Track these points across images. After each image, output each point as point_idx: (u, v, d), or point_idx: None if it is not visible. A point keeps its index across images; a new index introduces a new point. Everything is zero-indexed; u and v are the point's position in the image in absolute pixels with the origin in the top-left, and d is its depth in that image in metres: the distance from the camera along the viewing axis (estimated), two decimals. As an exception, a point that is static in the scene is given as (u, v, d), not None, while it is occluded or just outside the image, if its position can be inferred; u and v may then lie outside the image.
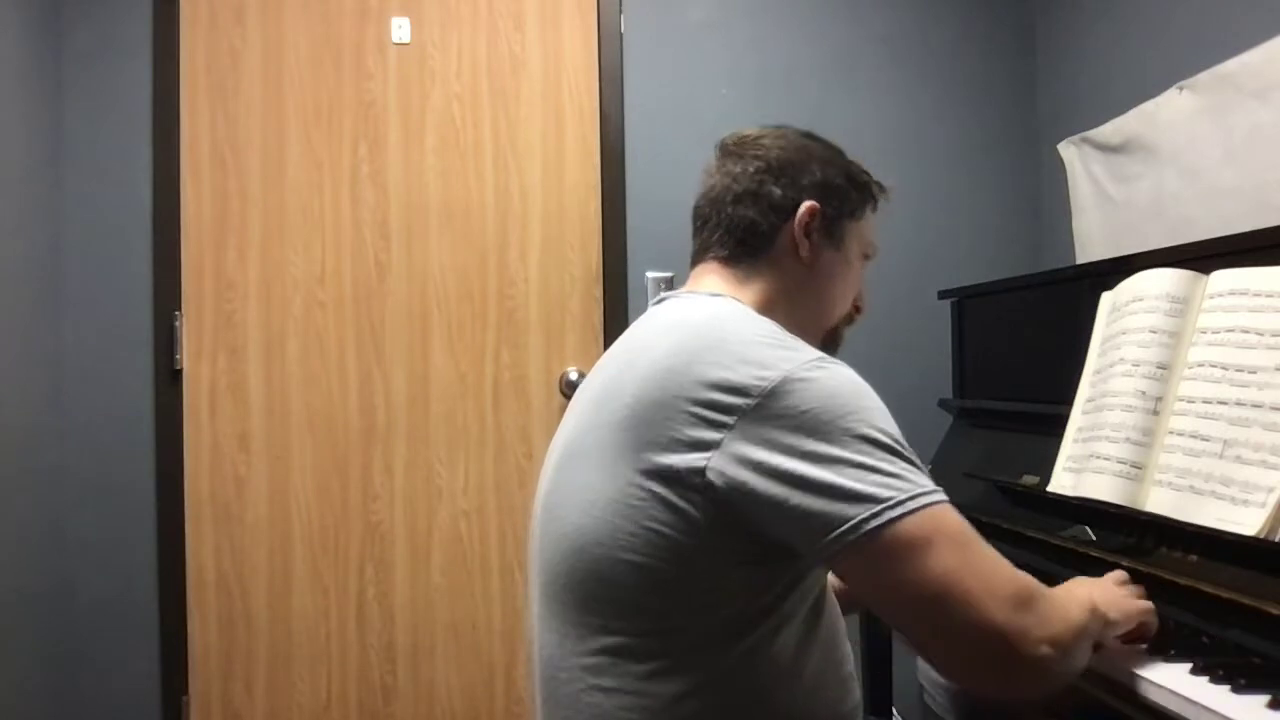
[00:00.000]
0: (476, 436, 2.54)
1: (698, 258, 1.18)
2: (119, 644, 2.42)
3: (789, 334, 1.01)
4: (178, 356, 2.46)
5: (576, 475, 1.01)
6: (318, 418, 2.50)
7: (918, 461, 0.93)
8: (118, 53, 2.45)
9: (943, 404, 2.12)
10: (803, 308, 1.15)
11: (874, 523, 0.86)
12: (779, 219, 1.13)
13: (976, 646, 0.87)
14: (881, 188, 1.22)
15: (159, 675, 2.43)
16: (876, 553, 0.87)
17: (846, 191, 1.17)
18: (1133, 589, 1.15)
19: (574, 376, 2.53)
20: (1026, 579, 0.90)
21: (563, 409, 2.54)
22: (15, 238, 2.21)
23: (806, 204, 1.12)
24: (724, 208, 1.15)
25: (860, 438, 0.90)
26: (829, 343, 1.19)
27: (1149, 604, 1.12)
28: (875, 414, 0.92)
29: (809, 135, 1.19)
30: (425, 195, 2.54)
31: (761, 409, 0.90)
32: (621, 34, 2.58)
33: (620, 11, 2.58)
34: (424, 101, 2.54)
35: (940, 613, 0.87)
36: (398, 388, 2.52)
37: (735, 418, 0.91)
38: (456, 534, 2.53)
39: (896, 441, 0.92)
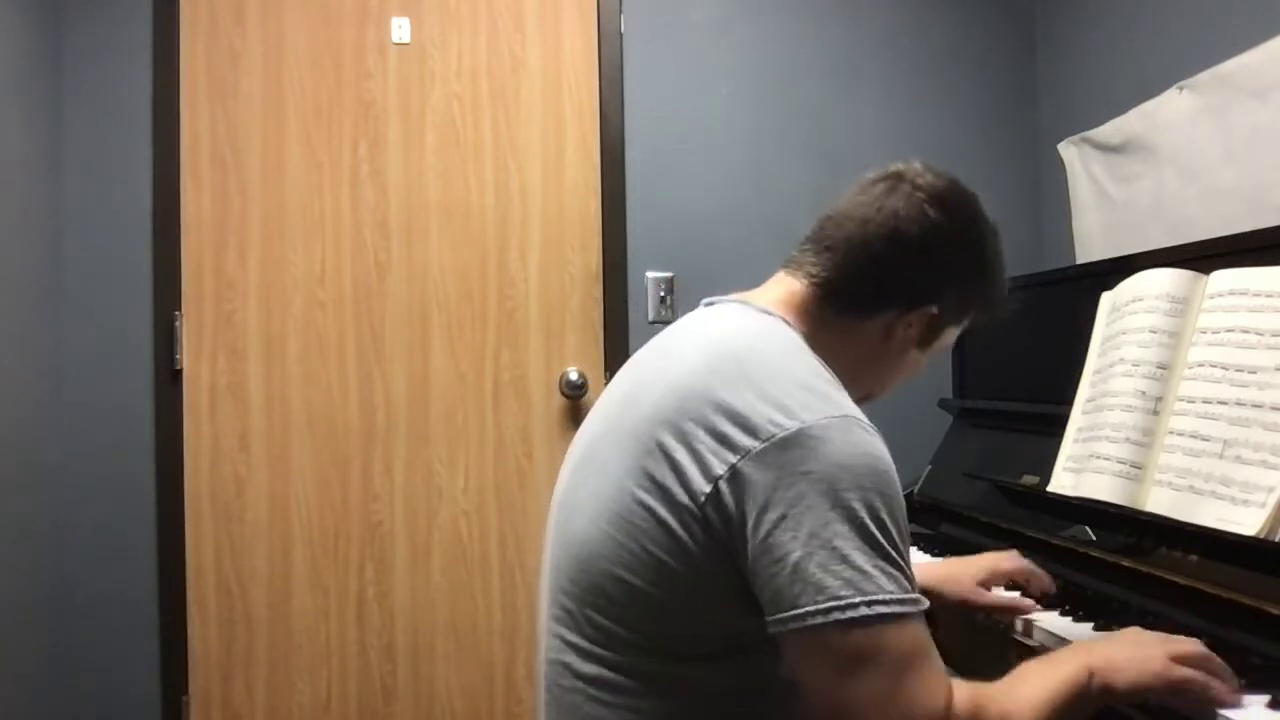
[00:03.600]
0: (476, 436, 2.54)
1: (794, 270, 1.08)
2: (119, 644, 2.42)
3: (828, 375, 0.95)
4: (178, 356, 2.46)
5: (590, 481, 0.99)
6: (318, 418, 2.50)
7: (901, 558, 0.87)
8: (118, 53, 2.45)
9: (943, 404, 2.12)
10: (859, 378, 1.07)
11: (818, 619, 0.83)
12: (894, 301, 1.04)
13: None
14: (1004, 304, 1.13)
15: (159, 675, 2.43)
16: (811, 648, 0.85)
17: (970, 303, 1.09)
18: (1180, 649, 0.97)
19: (574, 376, 2.53)
20: (957, 713, 0.84)
21: (563, 409, 2.56)
22: (15, 238, 2.21)
23: (928, 309, 1.05)
24: (857, 251, 1.03)
25: (849, 518, 0.84)
26: (866, 399, 1.12)
27: (1185, 671, 0.94)
28: (875, 496, 0.86)
29: (984, 221, 1.07)
30: (425, 195, 2.54)
31: (767, 455, 0.86)
32: (621, 34, 2.58)
33: (620, 11, 2.58)
34: (424, 101, 2.54)
35: None
36: (398, 388, 2.52)
37: (740, 457, 0.87)
38: (456, 534, 2.53)
39: (886, 531, 0.86)
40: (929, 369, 2.40)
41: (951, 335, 1.13)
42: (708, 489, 0.88)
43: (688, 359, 0.97)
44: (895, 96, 2.67)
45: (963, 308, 1.09)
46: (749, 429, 0.88)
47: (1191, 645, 0.98)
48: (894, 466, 0.90)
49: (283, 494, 2.49)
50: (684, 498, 0.89)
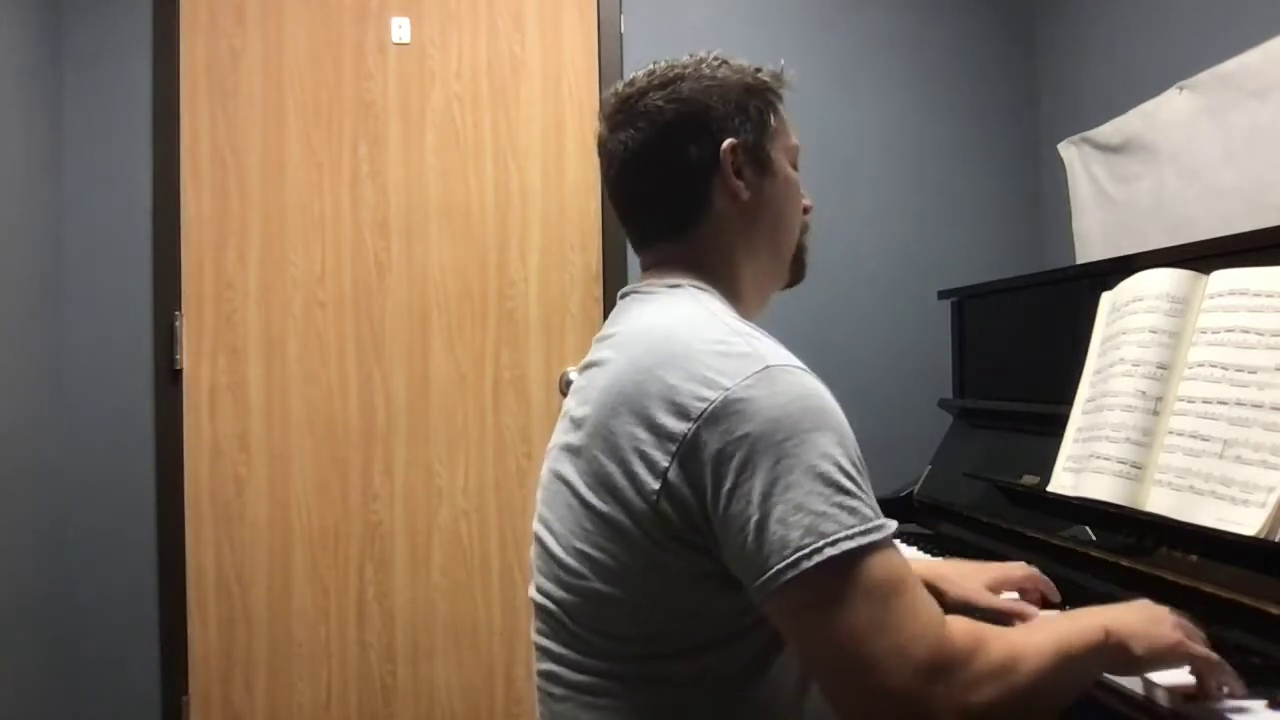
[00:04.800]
0: (476, 436, 2.54)
1: (640, 247, 1.10)
2: (119, 644, 2.42)
3: (744, 330, 0.95)
4: (178, 356, 2.46)
5: (557, 500, 1.00)
6: (318, 418, 2.50)
7: (857, 486, 0.85)
8: (118, 53, 2.45)
9: (943, 404, 2.12)
10: (763, 250, 1.08)
11: (788, 574, 0.81)
12: (705, 177, 1.04)
13: (874, 712, 0.81)
14: (777, 78, 1.11)
15: (159, 675, 2.43)
16: (791, 605, 0.83)
17: (753, 108, 1.07)
18: (1191, 628, 0.98)
19: (574, 376, 2.52)
20: (953, 639, 0.83)
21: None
22: (15, 238, 2.21)
23: (725, 146, 1.03)
24: (641, 189, 1.07)
25: (795, 466, 0.84)
26: (798, 263, 1.13)
27: (1200, 650, 0.95)
28: (815, 434, 0.85)
29: (688, 65, 1.07)
30: (425, 195, 2.54)
31: (702, 433, 0.86)
32: (621, 34, 2.58)
33: (620, 11, 2.58)
34: (424, 101, 2.54)
35: (843, 672, 0.82)
36: (398, 388, 2.52)
37: (678, 443, 0.87)
38: (456, 534, 2.53)
39: (836, 463, 0.85)
40: (929, 369, 2.42)
41: (778, 139, 1.10)
42: (657, 485, 0.88)
43: (613, 364, 0.97)
44: (896, 97, 2.68)
45: (745, 114, 1.06)
46: (680, 412, 0.88)
47: (1194, 628, 0.99)
48: (827, 394, 0.89)
49: (283, 494, 2.49)
50: (638, 501, 0.89)
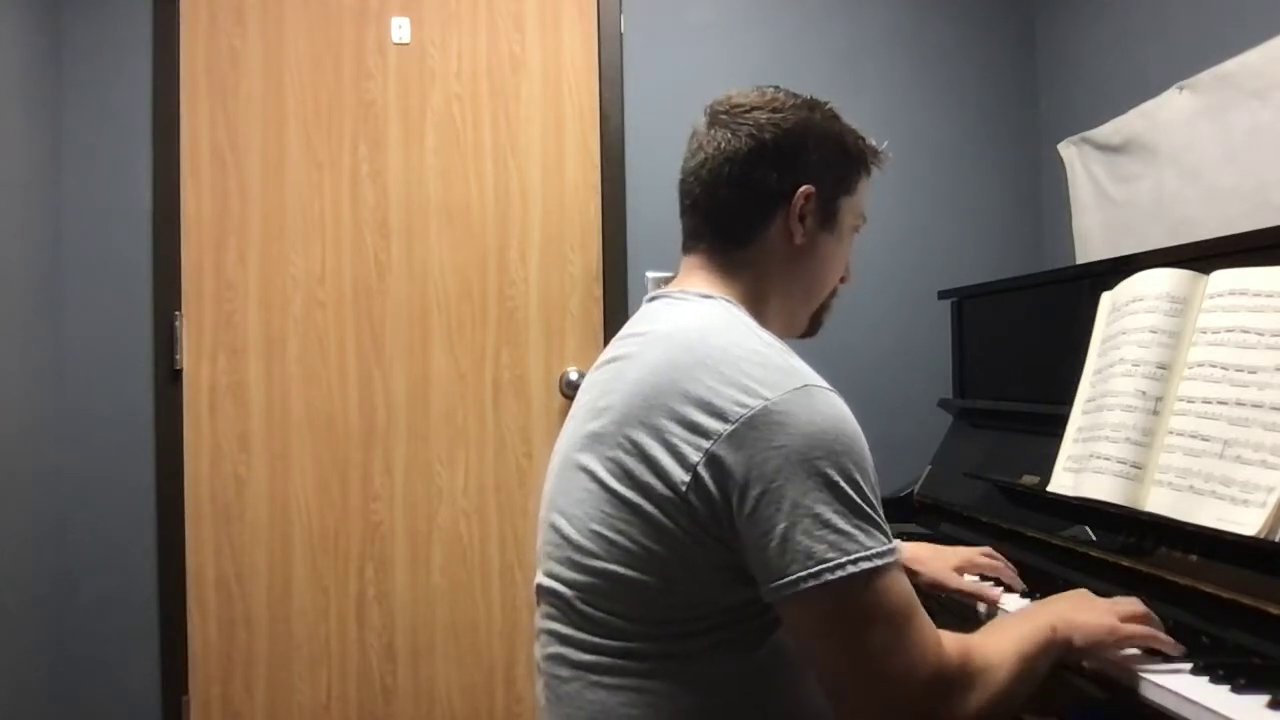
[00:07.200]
0: (476, 436, 2.54)
1: (688, 245, 1.14)
2: (119, 644, 2.42)
3: (778, 344, 1.00)
4: (178, 356, 2.46)
5: (573, 485, 1.02)
6: (318, 418, 2.50)
7: (877, 514, 0.92)
8: (118, 53, 2.45)
9: (943, 404, 2.12)
10: (796, 295, 1.14)
11: (810, 583, 0.87)
12: (772, 205, 1.09)
13: None
14: (876, 153, 1.17)
15: (159, 675, 2.43)
16: (809, 611, 0.90)
17: (843, 167, 1.12)
18: (1125, 609, 1.08)
19: (574, 376, 2.53)
20: (951, 657, 0.91)
21: (563, 409, 2.55)
22: (15, 238, 2.21)
23: (802, 189, 1.08)
24: (714, 190, 1.10)
25: (825, 484, 0.89)
26: (816, 319, 1.19)
27: (1131, 628, 1.06)
28: (844, 458, 0.91)
29: (806, 104, 1.12)
30: (425, 195, 2.54)
31: (737, 436, 0.90)
32: (621, 34, 2.58)
33: (620, 11, 2.58)
34: (424, 101, 2.54)
35: (856, 685, 0.90)
36: (398, 388, 2.52)
37: (713, 441, 0.91)
38: (456, 534, 2.53)
39: (860, 490, 0.91)
40: (929, 369, 2.42)
41: (852, 205, 1.15)
42: (687, 477, 0.92)
43: (645, 358, 1.00)
44: (895, 96, 2.68)
45: (834, 170, 1.11)
46: (717, 413, 0.92)
47: (1131, 604, 1.09)
48: (855, 421, 0.95)
49: (283, 494, 2.49)
50: (665, 489, 0.93)
